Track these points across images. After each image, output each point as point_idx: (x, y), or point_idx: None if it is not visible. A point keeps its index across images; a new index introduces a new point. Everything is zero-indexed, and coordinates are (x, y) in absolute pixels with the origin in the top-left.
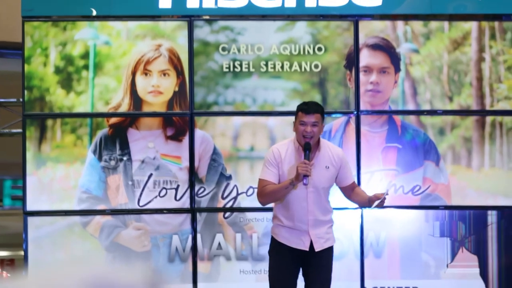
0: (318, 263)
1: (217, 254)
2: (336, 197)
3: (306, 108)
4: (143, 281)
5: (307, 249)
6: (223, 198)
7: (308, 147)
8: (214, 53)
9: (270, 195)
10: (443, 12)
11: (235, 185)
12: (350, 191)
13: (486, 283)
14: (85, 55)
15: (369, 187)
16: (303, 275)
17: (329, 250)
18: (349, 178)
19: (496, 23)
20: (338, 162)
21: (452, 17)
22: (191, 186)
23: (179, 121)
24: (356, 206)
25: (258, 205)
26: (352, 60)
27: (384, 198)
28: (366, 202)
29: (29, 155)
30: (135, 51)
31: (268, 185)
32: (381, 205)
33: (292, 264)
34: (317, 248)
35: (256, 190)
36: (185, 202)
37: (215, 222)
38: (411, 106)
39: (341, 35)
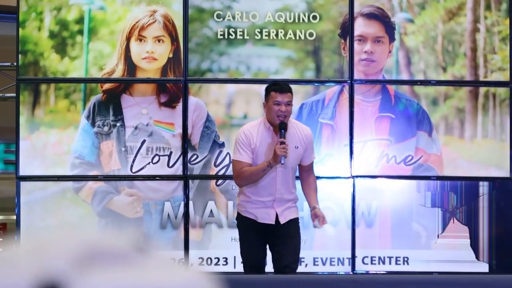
0: (286, 233)
1: (209, 221)
2: (328, 165)
3: (280, 87)
4: (131, 246)
5: (273, 222)
6: (215, 166)
7: (283, 126)
8: (209, 20)
9: (249, 178)
10: None
11: (228, 153)
12: (306, 173)
13: (476, 253)
14: (80, 20)
15: (361, 157)
16: (271, 249)
17: (295, 222)
18: (310, 157)
19: None
20: (306, 142)
21: None
22: (184, 153)
23: (173, 87)
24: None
25: None
26: (346, 29)
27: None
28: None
29: (22, 119)
30: (130, 16)
31: (245, 168)
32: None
33: (260, 237)
34: (282, 220)
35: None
36: (177, 169)
37: (208, 190)
38: (405, 76)
39: (336, 4)
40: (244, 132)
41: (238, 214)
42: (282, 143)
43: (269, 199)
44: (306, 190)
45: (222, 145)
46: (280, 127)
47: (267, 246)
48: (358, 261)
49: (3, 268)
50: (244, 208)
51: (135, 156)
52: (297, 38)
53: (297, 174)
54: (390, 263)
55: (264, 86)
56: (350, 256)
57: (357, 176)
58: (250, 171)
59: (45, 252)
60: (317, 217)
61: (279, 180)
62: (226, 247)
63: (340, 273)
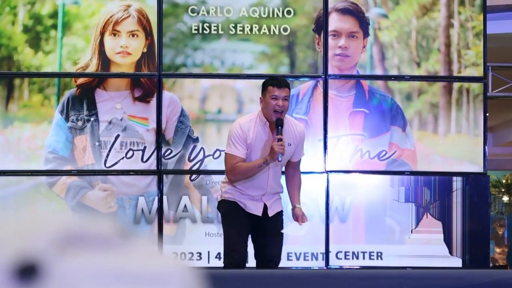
0: (272, 227)
1: (183, 216)
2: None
3: (278, 82)
4: (114, 232)
5: (260, 214)
6: (189, 161)
7: (280, 122)
8: (183, 15)
9: (242, 174)
10: None
11: (202, 148)
12: (293, 170)
13: (450, 248)
14: (54, 15)
15: (335, 152)
16: (254, 241)
17: (280, 215)
18: (300, 154)
19: None
20: (299, 139)
21: None
22: (158, 148)
23: (147, 82)
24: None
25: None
26: (321, 24)
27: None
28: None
29: None
30: (104, 11)
31: (239, 163)
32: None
33: (245, 227)
34: (271, 213)
35: (223, 154)
36: (151, 164)
37: (182, 185)
38: (379, 71)
39: None
40: (241, 127)
41: (224, 200)
42: (280, 139)
43: (259, 194)
44: (290, 188)
45: (196, 140)
46: (276, 124)
47: (250, 239)
48: (332, 256)
49: None
50: (232, 196)
51: (109, 151)
52: (272, 33)
53: None
54: (364, 258)
55: (238, 81)
56: (324, 251)
57: (331, 171)
58: (244, 167)
59: (26, 232)
60: (297, 216)
61: (271, 176)
62: (200, 242)
63: (314, 268)
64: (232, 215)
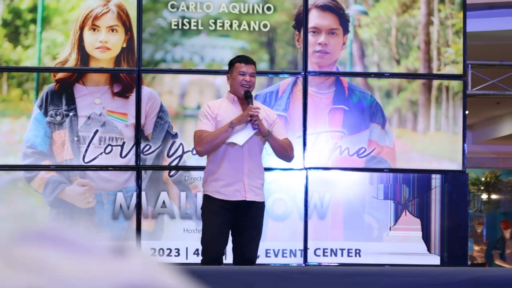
0: (251, 222)
1: (161, 212)
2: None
3: (245, 58)
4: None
5: (244, 198)
6: (168, 156)
7: (249, 94)
8: (163, 10)
9: (210, 142)
10: None
11: (181, 144)
12: None
13: (428, 246)
14: (33, 9)
15: (314, 148)
16: (232, 235)
17: (261, 207)
18: (282, 135)
19: None
20: (270, 117)
21: None
22: (137, 143)
23: (126, 77)
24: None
25: (204, 164)
26: (301, 21)
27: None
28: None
29: None
30: (84, 6)
31: (206, 133)
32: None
33: (226, 223)
34: (249, 197)
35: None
36: (130, 160)
37: (160, 180)
38: (358, 68)
39: None
40: (208, 105)
41: (206, 196)
42: (253, 114)
43: (238, 172)
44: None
45: (175, 135)
46: (246, 96)
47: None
48: (310, 253)
49: None
50: (212, 188)
51: (88, 146)
52: (251, 29)
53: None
54: (342, 255)
55: (218, 77)
56: (302, 248)
57: (310, 168)
58: (211, 134)
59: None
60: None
61: (246, 154)
62: (178, 238)
63: (292, 265)
64: (210, 212)
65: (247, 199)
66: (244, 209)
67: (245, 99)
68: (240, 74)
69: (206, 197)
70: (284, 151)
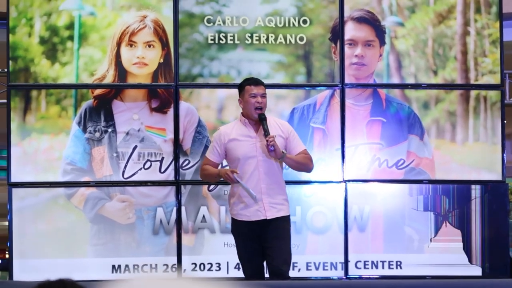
0: (276, 234)
1: (201, 227)
2: (320, 170)
3: (254, 80)
4: None
5: (265, 217)
6: None
7: (263, 117)
8: (199, 25)
9: (203, 177)
10: None
11: None
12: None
13: (469, 257)
14: (70, 26)
15: (353, 161)
16: (263, 248)
17: (285, 221)
18: (299, 146)
19: None
20: (285, 132)
21: None
22: (176, 158)
23: (164, 93)
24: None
25: None
26: (337, 33)
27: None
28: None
29: (13, 125)
30: (120, 22)
31: (206, 166)
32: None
33: (254, 242)
34: (270, 215)
35: None
36: (169, 175)
37: (200, 195)
38: (395, 80)
39: (326, 8)
40: (221, 130)
41: (232, 219)
42: (270, 138)
43: (256, 191)
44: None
45: None
46: (260, 119)
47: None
48: (351, 265)
49: None
50: (235, 211)
51: (127, 162)
52: (288, 42)
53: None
54: (383, 267)
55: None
56: (343, 260)
57: (349, 181)
58: (206, 171)
59: None
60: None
61: (261, 170)
62: (219, 252)
63: (334, 278)
64: (237, 234)
65: (268, 218)
66: (268, 225)
67: (260, 121)
68: (252, 97)
69: (232, 220)
70: (302, 166)
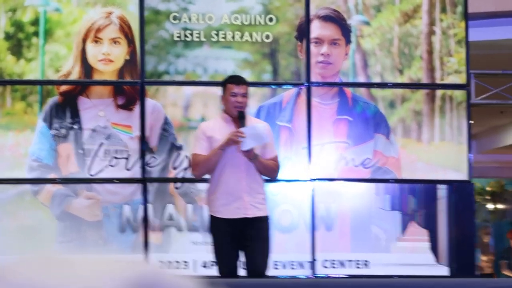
0: (257, 235)
1: (168, 224)
2: (287, 168)
3: (236, 79)
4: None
5: (245, 215)
6: (174, 169)
7: (242, 115)
8: (165, 22)
9: (205, 164)
10: None
11: (186, 156)
12: None
13: (436, 256)
14: (36, 22)
15: (320, 159)
16: (241, 248)
17: (265, 221)
18: (272, 152)
19: None
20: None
21: None
22: (142, 155)
23: (130, 90)
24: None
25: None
26: (303, 31)
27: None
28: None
29: None
30: (86, 18)
31: (200, 157)
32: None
33: (232, 238)
34: (250, 214)
35: None
36: (136, 172)
37: (166, 193)
38: (361, 79)
39: (292, 6)
40: (202, 126)
41: (211, 216)
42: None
43: (238, 189)
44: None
45: (180, 147)
46: (239, 117)
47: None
48: (318, 264)
49: None
50: (213, 207)
51: (93, 159)
52: (254, 40)
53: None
54: (350, 267)
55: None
56: (310, 259)
57: (315, 179)
58: (204, 157)
59: (101, 274)
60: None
61: (243, 168)
62: (186, 251)
63: (301, 277)
64: (214, 232)
65: (249, 216)
66: (248, 224)
67: (239, 119)
68: (232, 95)
69: (210, 216)
70: (268, 173)
